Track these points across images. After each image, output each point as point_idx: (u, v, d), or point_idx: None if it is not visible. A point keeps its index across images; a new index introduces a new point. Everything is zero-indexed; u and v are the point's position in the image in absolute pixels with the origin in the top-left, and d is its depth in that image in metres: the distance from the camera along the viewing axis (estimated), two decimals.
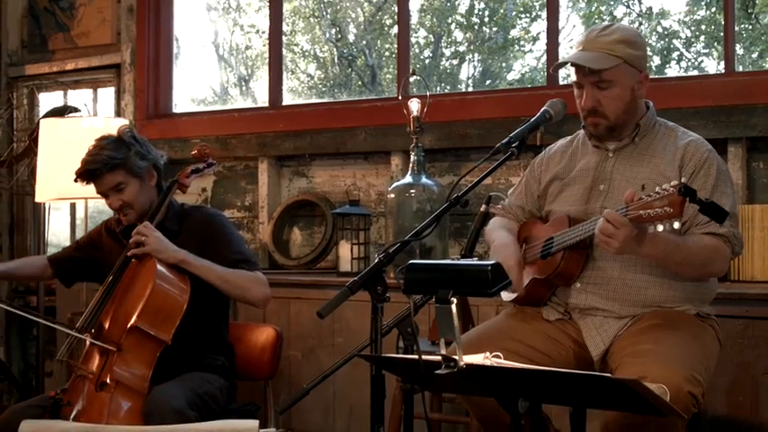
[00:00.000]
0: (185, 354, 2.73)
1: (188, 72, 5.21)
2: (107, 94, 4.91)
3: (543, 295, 2.47)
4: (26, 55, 5.08)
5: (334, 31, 6.67)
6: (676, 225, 1.96)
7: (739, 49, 5.29)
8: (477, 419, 2.45)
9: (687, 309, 2.33)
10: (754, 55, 5.59)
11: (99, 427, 2.29)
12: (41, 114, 4.55)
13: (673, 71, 5.87)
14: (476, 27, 6.84)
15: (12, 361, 4.90)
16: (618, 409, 1.96)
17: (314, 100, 6.92)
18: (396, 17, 4.38)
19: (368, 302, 1.89)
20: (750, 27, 5.37)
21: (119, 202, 2.81)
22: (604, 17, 5.94)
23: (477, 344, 2.23)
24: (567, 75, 3.22)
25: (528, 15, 6.67)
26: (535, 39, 6.41)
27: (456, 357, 1.63)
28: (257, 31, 6.36)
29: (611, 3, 5.95)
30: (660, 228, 1.98)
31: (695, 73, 5.86)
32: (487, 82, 6.62)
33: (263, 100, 4.96)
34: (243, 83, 6.59)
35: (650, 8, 5.84)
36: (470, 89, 6.48)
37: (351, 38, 6.71)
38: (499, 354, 1.74)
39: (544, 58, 4.13)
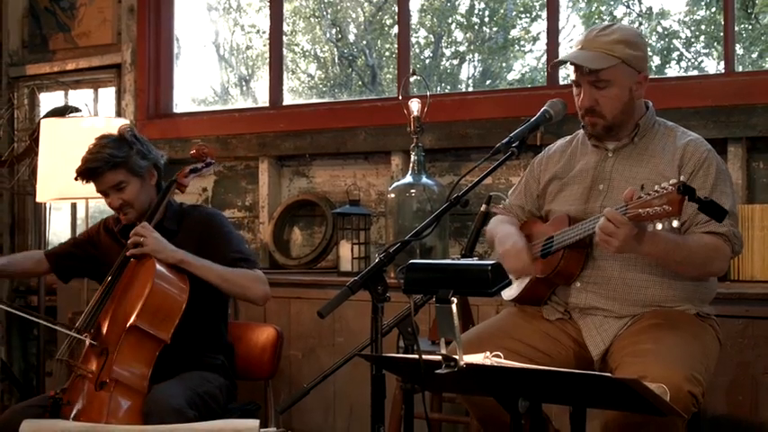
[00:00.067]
0: (185, 353, 2.73)
1: (188, 72, 5.21)
2: (108, 94, 4.92)
3: (543, 294, 2.48)
4: (27, 55, 5.08)
5: (334, 31, 6.68)
6: (675, 223, 1.96)
7: (739, 49, 5.29)
8: (478, 419, 2.45)
9: (687, 308, 2.33)
10: (754, 55, 5.59)
11: (99, 427, 2.29)
12: (42, 114, 4.56)
13: (673, 71, 5.87)
14: (476, 27, 6.84)
15: (13, 361, 4.91)
16: (618, 409, 1.97)
17: (314, 100, 6.92)
18: (396, 17, 4.38)
19: (368, 302, 1.89)
20: (750, 27, 5.37)
21: (119, 201, 2.81)
22: (604, 17, 5.94)
23: (477, 343, 2.23)
24: (567, 75, 3.22)
25: (528, 15, 6.67)
26: (535, 39, 6.41)
27: (456, 357, 1.64)
28: (258, 31, 6.36)
29: (612, 3, 5.95)
30: (659, 226, 1.99)
31: (695, 73, 5.86)
32: (488, 82, 6.62)
33: (263, 100, 4.96)
34: (243, 83, 6.59)
35: (650, 8, 5.84)
36: (470, 89, 6.48)
37: (351, 38, 6.71)
38: (499, 353, 1.74)
39: (544, 58, 4.14)
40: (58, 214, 4.89)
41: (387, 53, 6.66)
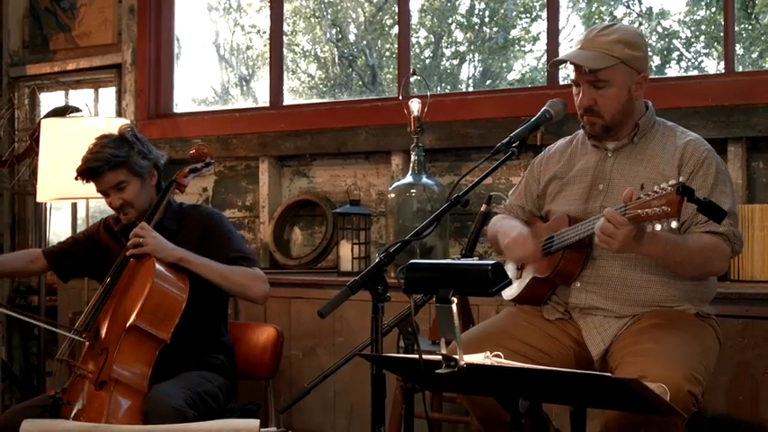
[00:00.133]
0: (185, 353, 2.74)
1: (189, 72, 5.21)
2: (108, 94, 4.92)
3: (543, 294, 2.48)
4: (27, 55, 5.08)
5: (334, 31, 6.68)
6: (674, 224, 1.96)
7: (739, 49, 5.28)
8: (478, 419, 2.45)
9: (687, 308, 2.34)
10: (754, 55, 5.58)
11: (101, 427, 2.29)
12: (43, 114, 4.56)
13: (673, 71, 5.86)
14: (476, 27, 6.84)
15: (13, 360, 4.91)
16: (618, 409, 1.97)
17: (315, 100, 6.92)
18: (396, 17, 4.39)
19: (368, 302, 1.90)
20: (750, 27, 5.37)
21: (119, 200, 2.81)
22: (604, 17, 5.93)
23: (477, 343, 2.23)
24: (567, 75, 3.22)
25: (528, 15, 6.67)
26: (535, 39, 6.41)
27: (456, 357, 1.64)
28: (258, 32, 6.36)
29: (612, 3, 5.95)
30: (658, 227, 1.99)
31: (695, 73, 5.85)
32: (488, 82, 6.62)
33: (263, 100, 4.96)
34: (244, 83, 6.59)
35: (650, 8, 5.83)
36: (471, 89, 6.47)
37: (351, 38, 6.71)
38: (499, 353, 1.74)
39: (544, 59, 4.14)
40: (58, 214, 4.89)
41: (387, 53, 6.65)
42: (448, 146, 3.81)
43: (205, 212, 2.97)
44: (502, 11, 6.65)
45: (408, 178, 3.56)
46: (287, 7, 4.72)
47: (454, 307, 1.66)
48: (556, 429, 2.70)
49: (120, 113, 4.66)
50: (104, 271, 2.83)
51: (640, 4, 5.94)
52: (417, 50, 6.51)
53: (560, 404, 2.51)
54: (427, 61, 6.65)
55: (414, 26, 5.53)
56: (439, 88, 6.36)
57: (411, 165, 3.55)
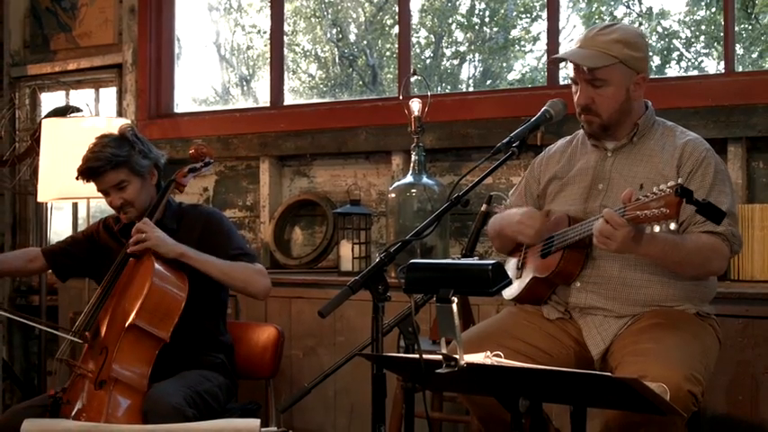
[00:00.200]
0: (184, 352, 2.74)
1: (189, 72, 5.22)
2: (109, 94, 4.92)
3: (543, 294, 2.48)
4: (28, 55, 5.09)
5: (335, 31, 6.68)
6: (672, 226, 1.95)
7: (739, 49, 5.28)
8: (478, 418, 2.46)
9: (687, 308, 2.34)
10: (754, 55, 5.59)
11: (101, 426, 2.30)
12: (43, 114, 4.56)
13: (673, 71, 5.87)
14: (476, 27, 6.84)
15: (14, 360, 4.92)
16: (618, 408, 1.97)
17: (315, 100, 6.92)
18: (397, 17, 4.39)
19: (369, 302, 1.90)
20: (750, 27, 5.37)
21: (120, 200, 2.82)
22: (605, 17, 5.93)
23: (477, 342, 2.24)
24: (567, 75, 3.22)
25: (528, 16, 6.67)
26: (536, 39, 6.41)
27: (457, 356, 1.64)
28: (259, 32, 6.36)
29: (612, 3, 5.95)
30: (657, 228, 1.99)
31: (695, 73, 5.86)
32: (488, 82, 6.62)
33: (264, 100, 4.97)
34: (244, 83, 6.59)
35: (650, 8, 5.84)
36: (471, 89, 6.48)
37: (352, 38, 6.71)
38: (500, 352, 1.74)
39: (545, 59, 4.15)
40: (59, 214, 4.89)
41: (387, 53, 6.66)
42: (448, 146, 3.81)
43: (205, 211, 2.98)
44: (502, 11, 6.65)
45: (409, 178, 3.57)
46: (287, 7, 4.72)
47: (454, 306, 1.66)
48: (556, 429, 2.70)
49: (120, 113, 4.67)
50: (103, 271, 2.83)
51: (640, 4, 5.95)
52: (418, 50, 6.51)
53: (560, 404, 2.51)
54: (428, 61, 6.66)
55: (414, 26, 5.53)
56: (439, 88, 6.37)
57: (411, 165, 3.55)
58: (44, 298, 4.42)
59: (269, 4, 4.53)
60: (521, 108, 3.53)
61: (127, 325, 2.58)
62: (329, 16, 6.54)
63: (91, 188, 2.87)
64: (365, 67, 6.71)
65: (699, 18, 5.89)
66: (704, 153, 2.35)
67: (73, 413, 2.52)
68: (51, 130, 3.87)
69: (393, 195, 3.60)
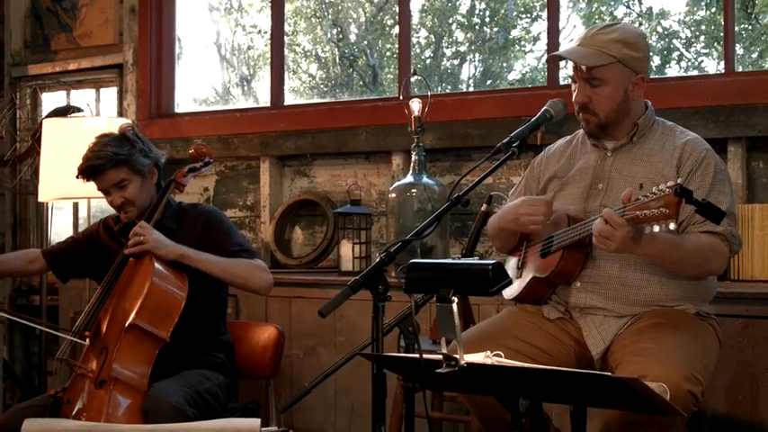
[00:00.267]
0: (184, 351, 2.74)
1: (190, 72, 5.22)
2: (109, 94, 4.93)
3: (543, 294, 2.48)
4: (29, 55, 5.09)
5: (335, 31, 6.68)
6: (672, 226, 1.95)
7: (739, 49, 5.29)
8: (478, 418, 2.46)
9: (687, 308, 2.34)
10: (754, 55, 5.59)
11: (101, 426, 2.30)
12: (44, 114, 4.56)
13: (673, 71, 5.87)
14: (477, 27, 6.84)
15: (15, 360, 4.92)
16: (618, 408, 1.97)
17: (315, 100, 6.92)
18: (397, 17, 4.39)
19: (369, 301, 1.90)
20: (750, 27, 5.37)
21: (120, 199, 2.82)
22: (605, 17, 5.94)
23: (477, 342, 2.24)
24: (567, 75, 3.23)
25: (528, 16, 6.67)
26: (536, 39, 6.41)
27: (457, 356, 1.64)
28: (259, 32, 6.37)
29: (612, 3, 5.95)
30: (656, 229, 1.99)
31: (695, 73, 5.86)
32: (488, 82, 6.62)
33: (264, 100, 4.97)
34: (245, 83, 6.59)
35: (650, 8, 5.84)
36: (471, 89, 6.48)
37: (352, 38, 6.71)
38: (500, 352, 1.75)
39: (545, 59, 4.14)
40: (59, 214, 4.89)
41: (388, 53, 6.66)
42: (448, 146, 3.81)
43: (204, 210, 2.98)
44: (502, 11, 6.65)
45: (409, 178, 3.57)
46: (288, 7, 4.73)
47: (455, 306, 1.66)
48: (556, 429, 2.70)
49: (121, 113, 4.67)
50: (104, 271, 2.83)
51: (640, 4, 5.95)
52: (418, 50, 6.52)
53: (561, 403, 2.51)
54: (428, 61, 6.66)
55: (414, 26, 5.53)
56: (439, 88, 6.37)
57: (411, 164, 3.55)
58: (45, 298, 4.42)
59: (269, 4, 4.53)
60: (521, 108, 3.53)
61: (127, 325, 2.59)
62: (329, 16, 6.54)
63: (91, 188, 2.87)
64: (365, 68, 6.71)
65: (699, 18, 5.90)
66: (704, 153, 2.35)
67: (73, 413, 2.53)
68: (52, 130, 3.87)
69: (393, 195, 3.60)
